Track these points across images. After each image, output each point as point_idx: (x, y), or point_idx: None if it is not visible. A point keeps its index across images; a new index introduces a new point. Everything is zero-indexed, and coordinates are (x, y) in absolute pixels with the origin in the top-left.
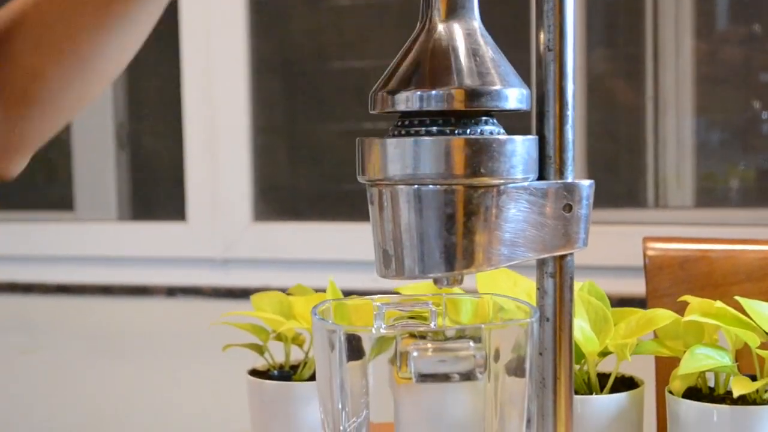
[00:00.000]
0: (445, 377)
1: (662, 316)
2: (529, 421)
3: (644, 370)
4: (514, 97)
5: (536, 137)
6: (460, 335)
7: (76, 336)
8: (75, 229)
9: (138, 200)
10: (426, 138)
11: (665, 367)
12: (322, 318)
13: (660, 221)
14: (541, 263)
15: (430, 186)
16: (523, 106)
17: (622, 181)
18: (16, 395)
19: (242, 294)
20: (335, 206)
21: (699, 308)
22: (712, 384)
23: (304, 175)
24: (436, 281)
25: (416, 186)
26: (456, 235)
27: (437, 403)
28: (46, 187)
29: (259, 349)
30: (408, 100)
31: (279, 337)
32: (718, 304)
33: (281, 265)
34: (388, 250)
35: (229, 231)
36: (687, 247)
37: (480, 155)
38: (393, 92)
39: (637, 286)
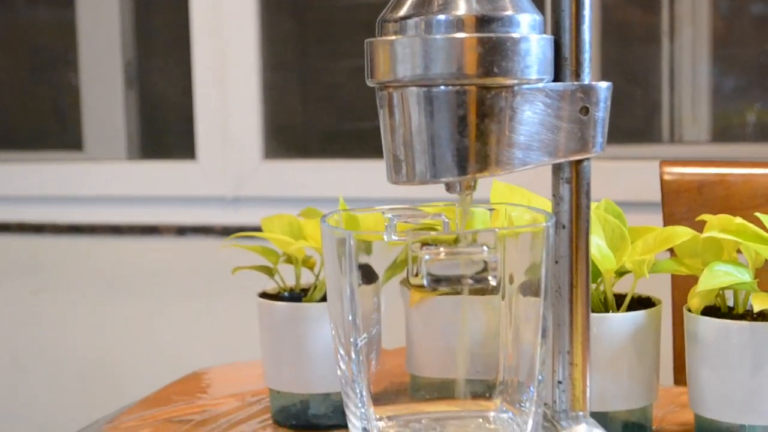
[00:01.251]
0: (457, 281)
1: (680, 232)
2: (544, 332)
3: (661, 293)
4: (527, 23)
5: (551, 36)
6: (474, 240)
7: (86, 276)
8: (84, 168)
9: (147, 139)
10: (437, 36)
11: (682, 288)
12: (331, 225)
13: (675, 156)
14: (557, 169)
15: (442, 87)
16: (536, 33)
17: (636, 118)
18: (27, 335)
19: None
20: (346, 143)
21: (718, 224)
22: (731, 303)
23: (314, 112)
24: (448, 187)
25: (427, 87)
26: (468, 137)
27: (450, 322)
28: (55, 127)
29: (269, 272)
30: (416, 27)
31: (289, 260)
32: (738, 220)
33: (292, 202)
34: (399, 155)
35: (240, 169)
36: (704, 171)
37: (493, 54)
38: (401, 19)
39: (653, 221)
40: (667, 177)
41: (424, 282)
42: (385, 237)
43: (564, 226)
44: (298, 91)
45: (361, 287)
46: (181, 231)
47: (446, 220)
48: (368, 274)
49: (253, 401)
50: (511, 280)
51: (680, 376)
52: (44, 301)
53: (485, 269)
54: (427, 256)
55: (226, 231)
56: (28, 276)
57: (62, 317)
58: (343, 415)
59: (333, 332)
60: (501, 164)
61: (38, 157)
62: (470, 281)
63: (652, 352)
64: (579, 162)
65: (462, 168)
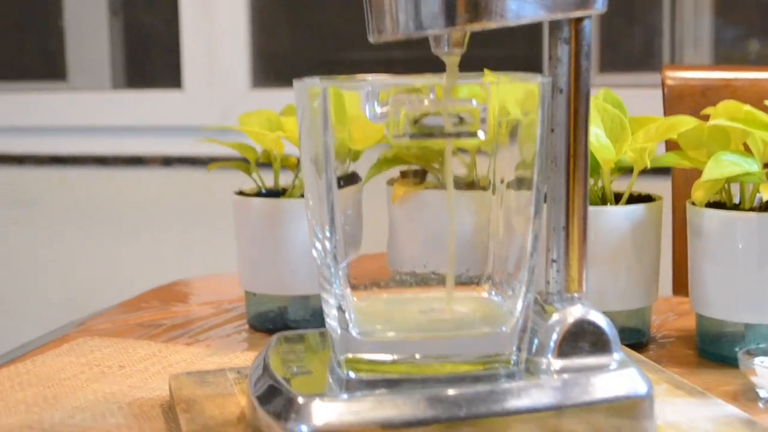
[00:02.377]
0: (440, 132)
1: (684, 121)
2: (537, 206)
3: (660, 193)
4: None
5: None
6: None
7: (70, 207)
8: (68, 98)
9: (132, 68)
10: None
11: (683, 188)
12: (305, 80)
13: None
14: (554, 28)
15: None
16: None
17: (636, 44)
18: (10, 267)
19: None
20: (336, 73)
21: (725, 112)
22: (737, 200)
23: (303, 41)
24: (434, 42)
25: None
26: None
27: (435, 217)
28: (37, 56)
29: (246, 169)
30: None
31: (268, 158)
32: (747, 107)
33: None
34: (381, 7)
35: (227, 98)
36: (709, 76)
37: None
38: None
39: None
40: (669, 82)
41: (405, 135)
42: (368, 89)
43: (561, 90)
44: (287, 18)
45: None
46: (167, 162)
47: (433, 88)
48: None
49: (230, 308)
50: (503, 181)
51: (679, 286)
52: (27, 232)
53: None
54: (408, 104)
55: (213, 161)
56: (11, 207)
57: (44, 249)
58: (324, 320)
59: (308, 204)
60: (493, 15)
61: (21, 87)
62: (456, 133)
63: (652, 249)
64: (579, 21)
65: (450, 18)
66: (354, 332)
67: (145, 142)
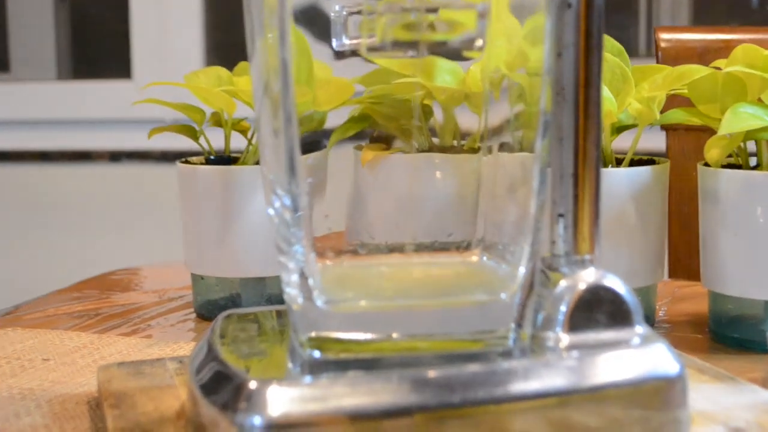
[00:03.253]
0: (412, 46)
1: (695, 69)
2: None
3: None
4: None
5: None
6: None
7: (12, 205)
8: (11, 90)
9: (79, 57)
10: None
11: (679, 158)
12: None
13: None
14: None
15: None
16: None
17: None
18: None
19: None
20: None
21: (743, 57)
22: (753, 162)
23: None
24: None
25: None
26: None
27: (410, 182)
28: None
29: (193, 134)
30: None
31: (217, 121)
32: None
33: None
34: None
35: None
36: (707, 37)
37: None
38: None
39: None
40: (664, 44)
41: (385, 44)
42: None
43: (569, 5)
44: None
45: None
46: (116, 157)
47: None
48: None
49: (176, 296)
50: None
51: (677, 268)
52: None
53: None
54: (387, 6)
55: (164, 156)
56: None
57: None
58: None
59: (264, 156)
60: None
61: None
62: (446, 45)
63: (658, 219)
64: None
65: None
66: (319, 302)
67: (92, 136)
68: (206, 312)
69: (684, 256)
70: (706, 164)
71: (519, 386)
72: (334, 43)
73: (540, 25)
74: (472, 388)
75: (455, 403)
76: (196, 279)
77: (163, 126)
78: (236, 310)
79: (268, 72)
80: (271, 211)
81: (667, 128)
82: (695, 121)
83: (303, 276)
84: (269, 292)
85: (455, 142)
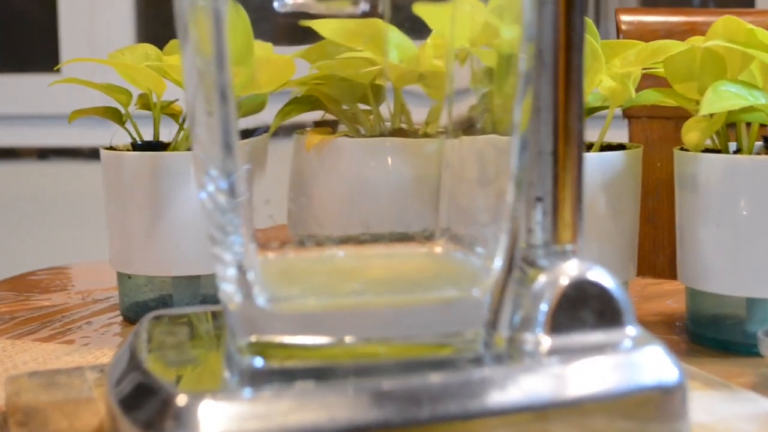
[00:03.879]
0: None
1: (671, 44)
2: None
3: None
4: None
5: None
6: None
7: None
8: None
9: (4, 50)
10: None
11: (645, 143)
12: None
13: None
14: None
15: None
16: None
17: None
18: None
19: None
20: None
21: (724, 32)
22: (734, 147)
23: None
24: None
25: None
26: None
27: (359, 168)
28: None
29: (118, 118)
30: None
31: (145, 104)
32: (749, 25)
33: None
34: None
35: None
36: (671, 20)
37: None
38: None
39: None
40: (625, 27)
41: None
42: None
43: None
44: None
45: None
46: (43, 154)
47: None
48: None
49: (102, 298)
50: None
51: (644, 266)
52: None
53: None
54: None
55: (95, 154)
56: None
57: None
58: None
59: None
60: None
61: None
62: None
63: (630, 209)
64: None
65: None
66: (260, 300)
67: (19, 132)
68: (134, 315)
69: (649, 252)
70: (683, 149)
71: (496, 398)
72: (276, 3)
73: None
74: (442, 401)
75: (422, 419)
76: (123, 278)
77: (85, 108)
78: (164, 311)
79: (201, 46)
80: (203, 195)
81: (629, 116)
82: (670, 102)
83: (241, 270)
84: (204, 292)
85: (404, 125)
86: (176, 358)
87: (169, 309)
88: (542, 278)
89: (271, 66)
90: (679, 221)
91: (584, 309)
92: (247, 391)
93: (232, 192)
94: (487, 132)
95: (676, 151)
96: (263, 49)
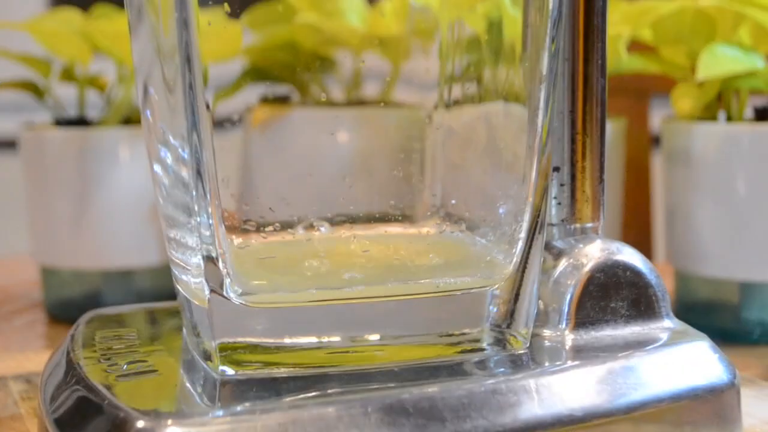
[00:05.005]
0: None
1: (660, 4)
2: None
3: None
4: None
5: None
6: None
7: None
8: None
9: None
10: None
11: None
12: None
13: None
14: None
15: None
16: None
17: None
18: None
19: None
20: None
21: None
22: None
23: None
24: None
25: None
26: None
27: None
28: None
29: (38, 92)
30: None
31: (68, 75)
32: None
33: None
34: None
35: None
36: None
37: None
38: None
39: None
40: None
41: None
42: None
43: None
44: None
45: None
46: None
47: None
48: None
49: (23, 294)
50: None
51: None
52: None
53: None
54: None
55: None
56: None
57: None
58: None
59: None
60: None
61: None
62: None
63: (615, 185)
64: None
65: None
66: (233, 294)
67: None
68: (60, 313)
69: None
70: (670, 121)
71: (528, 409)
72: None
73: None
74: (467, 417)
75: None
76: (47, 273)
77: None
78: (104, 310)
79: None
80: (157, 168)
81: None
82: (655, 68)
83: (210, 258)
84: (138, 287)
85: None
86: (125, 367)
87: (110, 308)
88: (562, 262)
89: (214, 36)
90: (668, 199)
91: (615, 298)
92: (219, 412)
93: (198, 163)
94: (489, 99)
95: (665, 123)
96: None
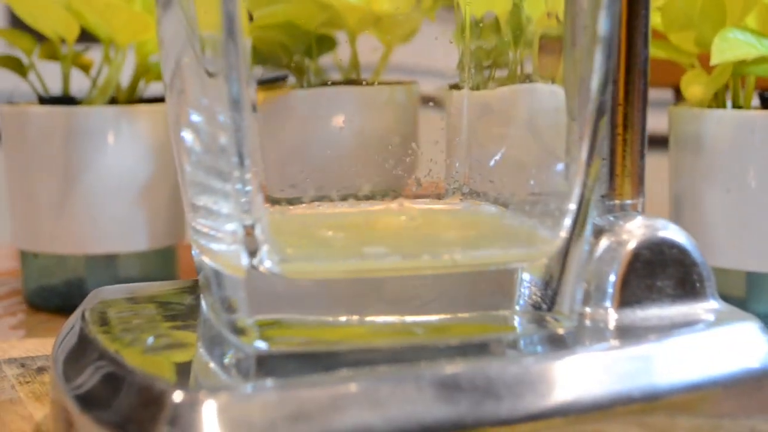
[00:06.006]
0: None
1: None
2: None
3: None
4: None
5: None
6: None
7: None
8: None
9: None
10: None
11: None
12: None
13: None
14: None
15: None
16: None
17: None
18: None
19: None
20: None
21: None
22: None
23: None
24: None
25: None
26: None
27: (326, 123)
28: None
29: (20, 69)
30: None
31: (51, 54)
32: None
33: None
34: None
35: None
36: None
37: None
38: None
39: None
40: None
41: None
42: None
43: None
44: None
45: None
46: None
47: None
48: None
49: (1, 282)
50: None
51: None
52: None
53: None
54: None
55: None
56: None
57: None
58: None
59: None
60: None
61: None
62: None
63: None
64: None
65: None
66: (269, 263)
67: None
68: (41, 300)
69: None
70: (678, 106)
71: (583, 389)
72: None
73: None
74: (522, 395)
75: (502, 417)
76: (28, 258)
77: None
78: (108, 288)
79: None
80: (186, 134)
81: None
82: (662, 55)
83: (246, 226)
84: (123, 274)
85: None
86: (152, 342)
87: (115, 286)
88: (604, 240)
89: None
90: (676, 188)
91: (661, 276)
92: (268, 383)
93: (238, 128)
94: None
95: (673, 108)
96: None
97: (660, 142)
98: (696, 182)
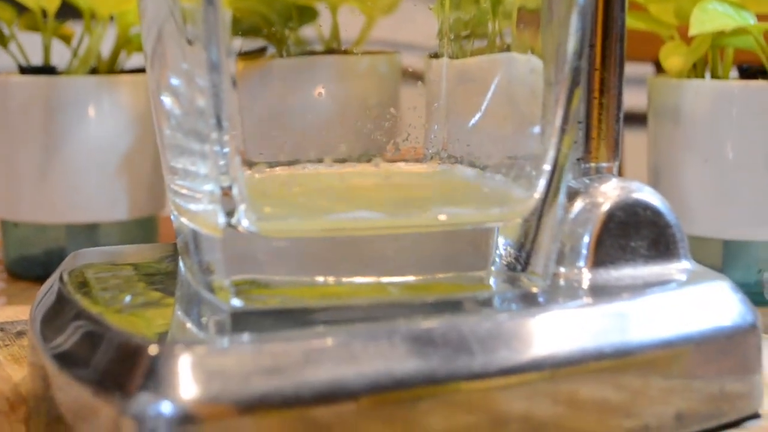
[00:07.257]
0: None
1: None
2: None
3: None
4: None
5: None
6: None
7: None
8: None
9: None
10: None
11: None
12: None
13: None
14: None
15: None
16: None
17: None
18: None
19: None
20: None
21: None
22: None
23: None
24: None
25: None
26: None
27: (303, 92)
28: None
29: (1, 39)
30: None
31: (31, 24)
32: None
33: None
34: None
35: None
36: None
37: None
38: None
39: None
40: None
41: None
42: None
43: None
44: None
45: None
46: None
47: None
48: None
49: None
50: None
51: None
52: None
53: None
54: None
55: None
56: None
57: None
58: None
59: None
60: None
61: None
62: None
63: None
64: None
65: None
66: (246, 223)
67: None
68: (21, 270)
69: None
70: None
71: (554, 345)
72: None
73: None
74: (495, 349)
75: (475, 371)
76: (8, 227)
77: None
78: (87, 250)
79: None
80: (165, 98)
81: None
82: (642, 26)
83: (224, 188)
84: (103, 243)
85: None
86: (128, 300)
87: (93, 248)
88: (579, 201)
89: None
90: (654, 158)
91: (635, 237)
92: (244, 338)
93: (217, 91)
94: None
95: (652, 79)
96: None
97: (641, 119)
98: (674, 152)
